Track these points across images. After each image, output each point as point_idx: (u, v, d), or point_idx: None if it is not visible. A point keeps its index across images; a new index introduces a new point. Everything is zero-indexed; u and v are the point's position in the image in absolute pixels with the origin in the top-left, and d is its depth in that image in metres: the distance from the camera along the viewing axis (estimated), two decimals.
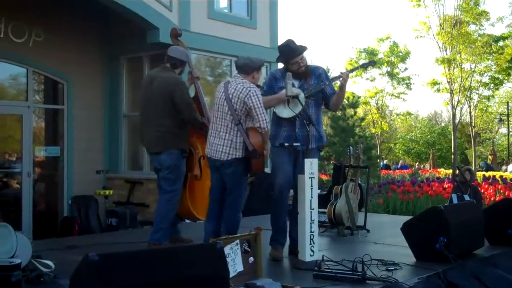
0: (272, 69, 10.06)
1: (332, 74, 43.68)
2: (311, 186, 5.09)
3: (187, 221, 8.00)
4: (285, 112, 5.46)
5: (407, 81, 29.93)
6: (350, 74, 5.73)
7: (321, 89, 5.56)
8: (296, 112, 5.37)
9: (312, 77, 5.58)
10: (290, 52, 5.49)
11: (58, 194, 10.48)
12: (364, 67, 6.43)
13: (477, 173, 19.06)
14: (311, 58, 57.42)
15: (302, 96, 5.40)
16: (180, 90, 5.73)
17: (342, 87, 5.54)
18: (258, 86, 5.36)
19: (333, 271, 4.60)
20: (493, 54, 25.56)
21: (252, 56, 5.52)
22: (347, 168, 7.59)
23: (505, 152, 35.73)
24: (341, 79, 5.51)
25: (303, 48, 5.53)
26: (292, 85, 5.29)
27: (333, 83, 5.71)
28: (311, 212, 5.08)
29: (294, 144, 5.37)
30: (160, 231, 5.73)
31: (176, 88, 5.72)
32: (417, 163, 31.59)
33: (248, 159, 5.16)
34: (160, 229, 5.74)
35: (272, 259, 5.39)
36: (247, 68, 5.29)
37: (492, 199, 11.87)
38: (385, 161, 31.23)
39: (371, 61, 6.55)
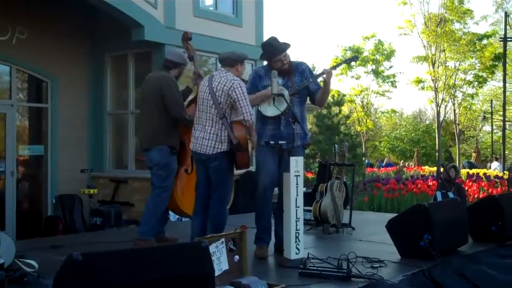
0: (258, 66, 10.06)
1: (317, 71, 43.86)
2: (297, 184, 5.09)
3: (171, 219, 7.98)
4: (269, 110, 5.44)
5: (392, 79, 30.08)
6: (334, 71, 5.75)
7: (305, 86, 5.55)
8: (281, 110, 5.36)
9: (295, 74, 5.58)
10: (273, 50, 5.48)
11: (42, 193, 10.40)
12: (347, 62, 6.46)
13: (461, 170, 19.18)
14: (297, 55, 57.53)
15: (286, 93, 5.40)
16: (168, 86, 5.82)
17: (326, 84, 5.54)
18: (244, 81, 5.34)
19: (319, 268, 4.60)
20: (477, 52, 25.76)
21: (237, 51, 5.53)
22: (332, 166, 7.61)
23: (488, 149, 36.02)
24: (324, 75, 5.52)
25: (286, 46, 5.51)
26: (277, 83, 5.29)
27: (317, 80, 5.70)
28: (296, 210, 5.09)
29: (280, 142, 5.37)
30: (147, 226, 5.78)
31: (165, 84, 5.82)
32: (401, 161, 31.76)
33: (234, 153, 5.14)
34: (148, 223, 5.78)
35: (257, 258, 5.38)
36: (230, 60, 5.27)
37: (476, 196, 11.96)
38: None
39: (354, 56, 6.55)
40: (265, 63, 5.90)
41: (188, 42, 6.49)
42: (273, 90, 5.26)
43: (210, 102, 5.16)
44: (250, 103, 5.16)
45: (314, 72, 6.01)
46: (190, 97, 6.27)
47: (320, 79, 5.65)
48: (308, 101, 5.79)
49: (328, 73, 5.50)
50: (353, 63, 28.80)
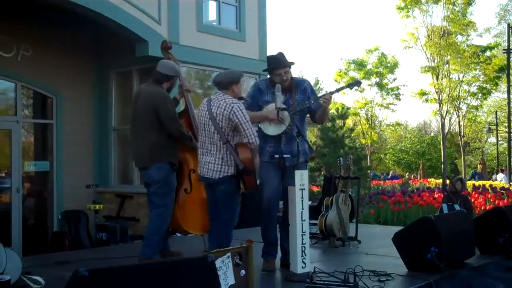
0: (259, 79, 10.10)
1: (322, 84, 43.94)
2: (302, 197, 5.08)
3: (177, 235, 7.96)
4: (270, 129, 5.43)
5: (396, 92, 30.10)
6: (335, 94, 5.74)
7: (306, 106, 5.56)
8: (282, 130, 5.38)
9: (297, 91, 5.56)
10: (275, 63, 5.49)
11: (47, 209, 10.42)
12: (350, 87, 6.33)
13: (467, 182, 19.11)
14: (301, 69, 57.66)
15: (287, 114, 5.41)
16: (164, 104, 5.66)
17: (325, 109, 5.51)
18: (241, 98, 5.32)
19: (325, 282, 4.58)
20: (480, 64, 25.78)
21: (231, 70, 5.49)
22: (338, 179, 7.59)
23: (494, 161, 35.93)
24: (323, 102, 5.47)
25: (289, 63, 5.51)
26: (281, 98, 5.29)
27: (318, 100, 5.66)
28: (302, 223, 5.07)
29: (284, 156, 5.38)
30: (151, 245, 5.68)
31: (160, 103, 5.65)
32: (407, 173, 31.69)
33: (241, 176, 5.13)
34: (150, 243, 5.69)
35: (266, 271, 5.35)
36: (224, 84, 5.21)
37: (482, 208, 11.91)
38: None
39: (357, 81, 6.48)
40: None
41: (168, 52, 6.36)
42: (277, 104, 5.27)
43: (212, 128, 5.12)
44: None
45: (319, 86, 6.01)
46: (182, 108, 6.16)
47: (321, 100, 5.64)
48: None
49: (327, 100, 5.45)
50: (357, 76, 28.92)
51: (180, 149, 5.87)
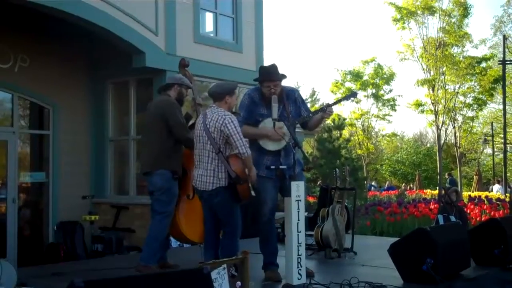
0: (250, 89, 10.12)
1: (318, 95, 44.03)
2: (298, 208, 5.09)
3: (172, 245, 7.96)
4: (270, 145, 5.50)
5: (392, 103, 30.12)
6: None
7: (304, 120, 5.64)
8: (283, 145, 5.45)
9: (289, 103, 5.64)
10: (266, 74, 5.55)
11: (43, 220, 10.39)
12: (347, 99, 6.45)
13: (463, 193, 19.12)
14: (297, 79, 57.71)
15: (286, 129, 5.45)
16: (171, 111, 5.86)
17: (322, 119, 5.70)
18: (234, 113, 5.39)
19: None
20: (476, 75, 25.86)
21: (226, 81, 5.61)
22: (334, 190, 7.61)
23: (490, 172, 35.98)
24: (325, 115, 5.64)
25: (280, 76, 5.55)
26: (277, 108, 5.33)
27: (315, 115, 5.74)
28: (298, 234, 5.08)
29: (281, 167, 5.42)
30: (149, 252, 5.77)
31: (167, 109, 5.87)
32: (403, 184, 31.70)
33: (234, 186, 5.16)
34: (149, 249, 5.77)
35: (272, 281, 5.40)
36: (217, 94, 5.33)
37: (478, 219, 11.92)
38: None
39: (353, 92, 6.58)
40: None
41: (185, 69, 6.51)
42: (273, 115, 5.32)
43: (205, 139, 5.21)
44: (245, 135, 5.21)
45: (314, 98, 6.09)
46: (191, 122, 6.27)
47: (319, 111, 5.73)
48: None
49: (328, 115, 5.66)
50: (353, 87, 28.98)
51: (185, 155, 5.96)
